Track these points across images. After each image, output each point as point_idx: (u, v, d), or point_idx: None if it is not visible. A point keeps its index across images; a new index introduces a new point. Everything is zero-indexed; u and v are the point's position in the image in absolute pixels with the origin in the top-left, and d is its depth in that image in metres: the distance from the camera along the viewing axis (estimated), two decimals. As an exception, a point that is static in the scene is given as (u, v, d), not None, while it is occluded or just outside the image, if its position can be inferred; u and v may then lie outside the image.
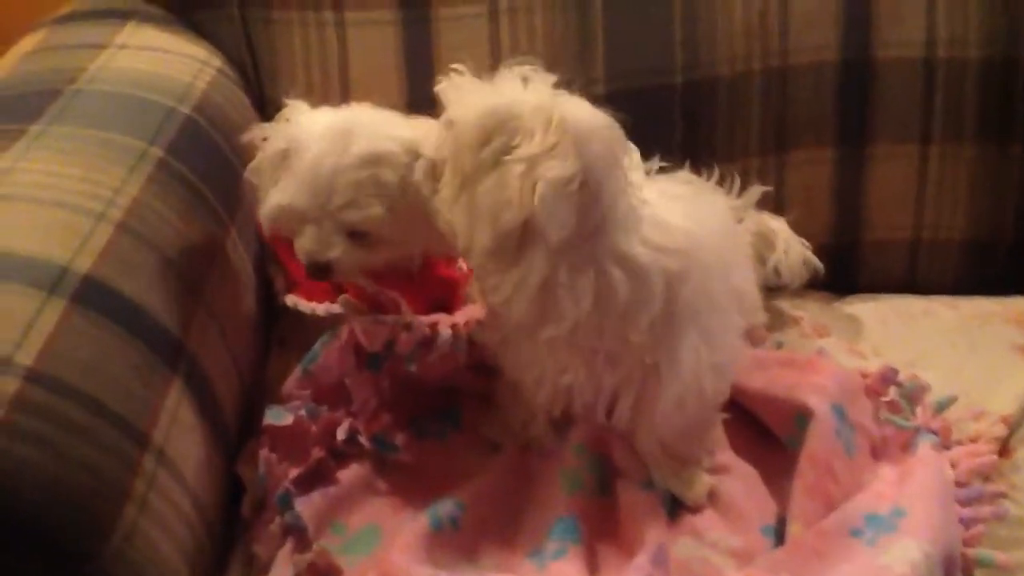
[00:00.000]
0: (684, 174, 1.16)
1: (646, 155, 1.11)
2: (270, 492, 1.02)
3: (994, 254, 1.41)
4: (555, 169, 0.90)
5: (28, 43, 1.28)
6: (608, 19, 1.35)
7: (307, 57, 1.36)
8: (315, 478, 1.05)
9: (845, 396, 1.09)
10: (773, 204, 1.33)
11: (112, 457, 0.80)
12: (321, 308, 1.19)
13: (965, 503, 1.03)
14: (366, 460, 1.08)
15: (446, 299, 1.21)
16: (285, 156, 1.06)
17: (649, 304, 0.96)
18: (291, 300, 1.22)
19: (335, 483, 1.06)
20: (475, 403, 1.15)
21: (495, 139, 0.92)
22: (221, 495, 1.01)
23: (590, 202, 0.93)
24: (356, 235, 1.06)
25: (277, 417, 1.05)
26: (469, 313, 1.15)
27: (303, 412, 1.06)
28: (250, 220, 1.19)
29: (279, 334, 1.26)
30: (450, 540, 0.99)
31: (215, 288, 1.09)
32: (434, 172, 0.98)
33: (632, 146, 1.03)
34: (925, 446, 1.06)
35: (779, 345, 1.24)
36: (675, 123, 1.37)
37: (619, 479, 1.05)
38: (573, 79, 0.98)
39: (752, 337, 1.21)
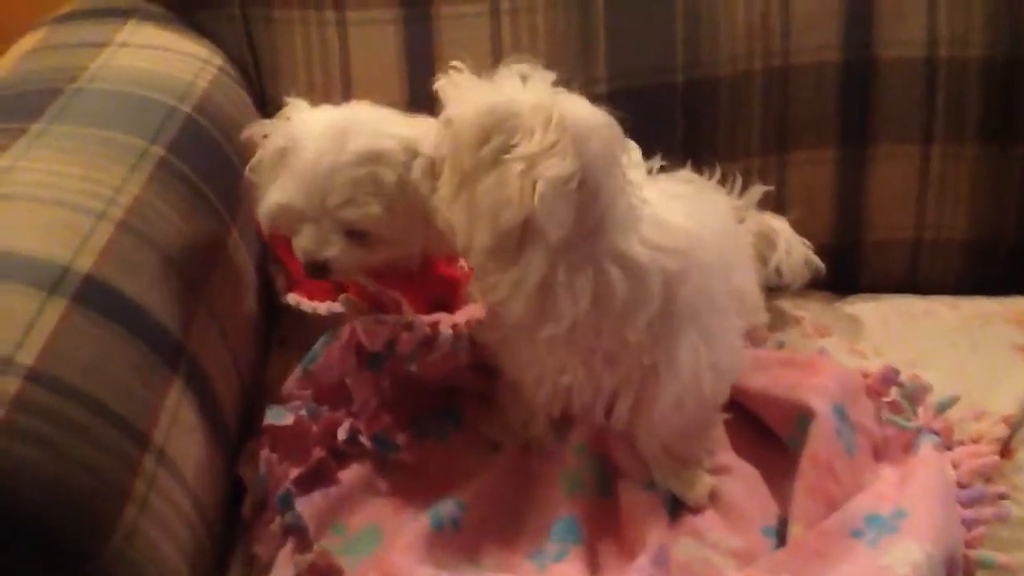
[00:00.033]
0: (685, 173, 1.16)
1: (647, 154, 1.11)
2: (271, 492, 1.02)
3: (995, 254, 1.41)
4: (555, 168, 0.90)
5: (29, 42, 1.28)
6: (610, 18, 1.35)
7: (308, 56, 1.36)
8: (316, 478, 1.05)
9: (846, 396, 1.08)
10: (774, 204, 1.33)
11: (112, 457, 0.80)
12: (322, 307, 1.19)
13: (967, 504, 1.03)
14: (367, 460, 1.08)
15: (447, 298, 1.21)
16: (284, 154, 1.06)
17: (647, 303, 0.96)
18: (292, 299, 1.22)
19: (336, 483, 1.05)
20: (476, 403, 1.15)
21: (494, 137, 0.92)
22: (221, 495, 1.01)
23: (589, 201, 0.93)
24: (354, 234, 1.06)
25: (278, 417, 1.05)
26: (470, 312, 1.15)
27: (304, 412, 1.06)
28: (251, 219, 1.19)
29: (280, 333, 1.26)
30: (451, 540, 0.99)
31: (216, 288, 1.09)
32: (433, 170, 0.98)
33: (633, 144, 1.03)
34: (927, 447, 1.06)
35: (780, 345, 1.24)
36: (676, 122, 1.37)
37: (620, 480, 1.05)
38: (574, 78, 0.98)
39: (753, 337, 1.21)
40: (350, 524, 1.03)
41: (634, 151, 1.06)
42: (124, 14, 1.33)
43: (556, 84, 0.96)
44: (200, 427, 0.97)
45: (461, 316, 1.15)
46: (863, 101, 1.36)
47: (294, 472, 1.04)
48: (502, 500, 1.04)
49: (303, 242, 1.06)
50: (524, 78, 0.96)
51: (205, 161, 1.15)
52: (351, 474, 1.07)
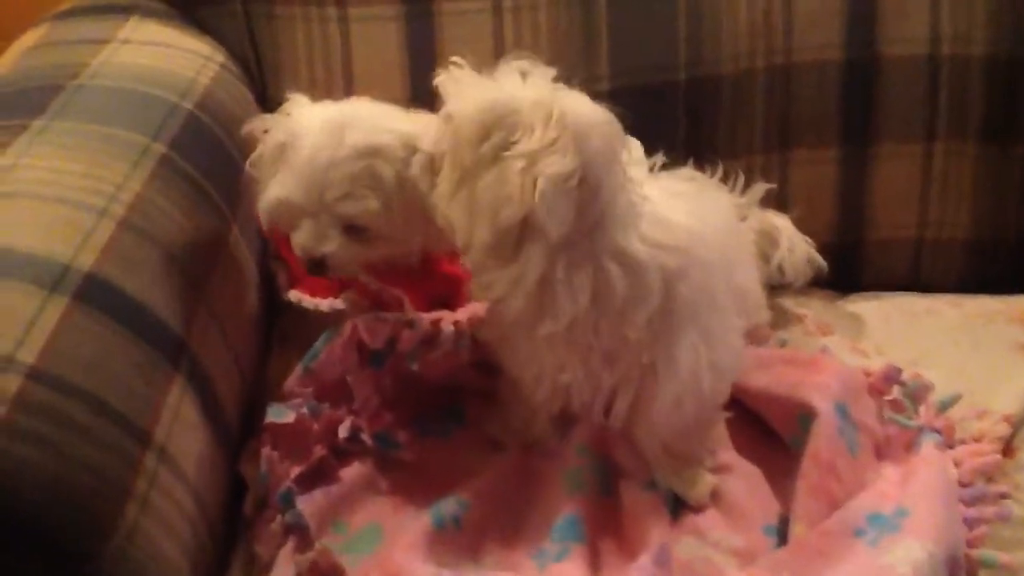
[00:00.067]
0: (687, 171, 1.16)
1: (649, 151, 1.11)
2: (272, 490, 1.01)
3: (998, 253, 1.41)
4: (555, 165, 0.89)
5: (30, 38, 1.28)
6: (612, 15, 1.35)
7: (310, 53, 1.36)
8: (317, 476, 1.05)
9: (848, 395, 1.08)
10: (776, 202, 1.33)
11: (113, 456, 0.80)
12: (324, 304, 1.18)
13: (969, 503, 1.02)
14: (368, 458, 1.08)
15: (449, 296, 1.21)
16: (283, 150, 1.06)
17: (646, 301, 0.96)
18: (294, 296, 1.22)
19: (337, 481, 1.05)
20: (478, 401, 1.15)
21: (494, 134, 0.92)
22: (223, 493, 1.00)
23: (589, 198, 0.92)
24: (352, 229, 1.06)
25: (279, 415, 1.05)
26: (472, 310, 1.14)
27: (305, 410, 1.06)
28: (252, 216, 1.19)
29: (281, 331, 1.26)
30: (453, 539, 0.99)
31: (217, 285, 1.08)
32: (432, 167, 0.98)
33: (634, 141, 1.03)
34: (928, 445, 1.06)
35: (782, 343, 1.24)
36: (679, 120, 1.37)
37: (621, 479, 1.05)
38: (577, 75, 0.98)
39: (755, 335, 1.21)
40: (351, 522, 1.03)
41: (635, 148, 1.05)
42: (126, 10, 1.33)
43: (557, 80, 0.96)
44: (201, 425, 0.97)
45: (463, 314, 1.15)
46: (865, 99, 1.36)
47: (295, 470, 1.04)
48: (504, 499, 1.04)
49: (301, 238, 1.06)
50: (524, 74, 0.95)
51: (207, 158, 1.15)
52: (352, 472, 1.07)
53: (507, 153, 0.91)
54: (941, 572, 0.91)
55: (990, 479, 1.06)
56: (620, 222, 0.95)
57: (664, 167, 1.14)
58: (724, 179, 1.26)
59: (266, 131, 1.10)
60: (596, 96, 0.95)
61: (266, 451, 1.03)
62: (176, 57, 1.26)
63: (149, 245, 0.98)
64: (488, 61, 0.98)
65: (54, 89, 1.10)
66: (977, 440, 1.09)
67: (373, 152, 1.04)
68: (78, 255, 0.89)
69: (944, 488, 1.00)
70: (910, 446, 1.07)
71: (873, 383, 1.13)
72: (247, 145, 1.14)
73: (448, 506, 1.00)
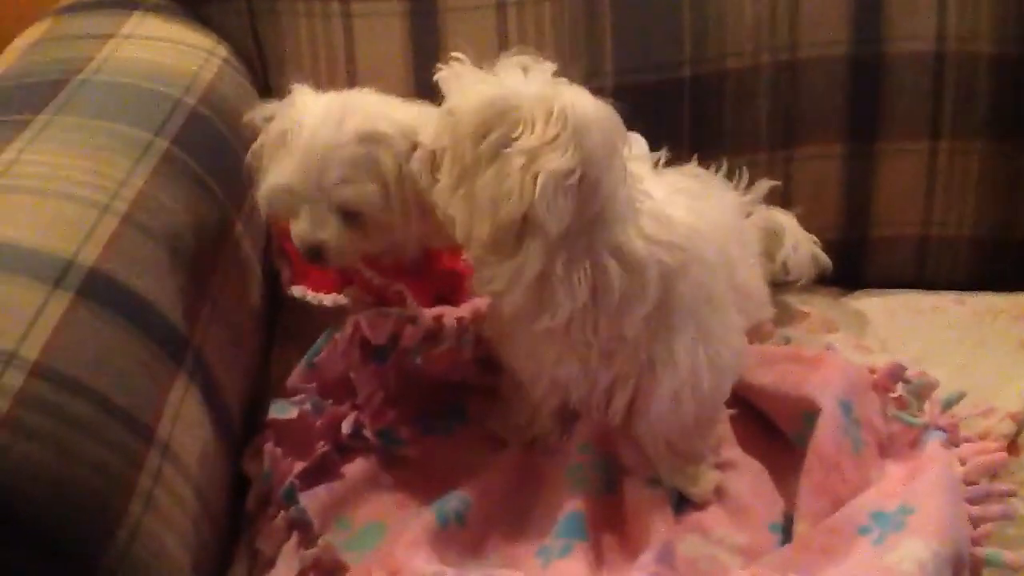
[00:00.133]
0: (692, 167, 1.16)
1: (654, 148, 1.11)
2: (275, 487, 1.01)
3: (1003, 250, 1.41)
4: (555, 161, 0.89)
5: (33, 33, 1.28)
6: (616, 11, 1.35)
7: (313, 48, 1.36)
8: (320, 473, 1.05)
9: (853, 392, 1.08)
10: (781, 199, 1.33)
11: (117, 453, 0.80)
12: (327, 299, 1.19)
13: (974, 501, 1.02)
14: (371, 455, 1.08)
15: (451, 292, 1.20)
16: (284, 137, 1.06)
17: (644, 298, 0.96)
18: (297, 291, 1.22)
19: (340, 478, 1.05)
20: (481, 398, 1.15)
21: (495, 130, 0.91)
22: (226, 490, 1.00)
23: (589, 194, 0.92)
24: (350, 217, 1.05)
25: (281, 411, 1.05)
26: (474, 306, 1.14)
27: (308, 406, 1.06)
28: (256, 211, 1.19)
29: (284, 327, 1.25)
30: (456, 536, 0.99)
31: (221, 281, 1.08)
32: (432, 162, 0.97)
33: (637, 136, 1.03)
34: (933, 443, 1.06)
35: (787, 340, 1.23)
36: (683, 116, 1.37)
37: (625, 476, 1.05)
38: (580, 71, 0.97)
39: (759, 332, 1.21)
40: (354, 519, 1.03)
41: (637, 143, 1.05)
42: (129, 5, 1.33)
43: (557, 75, 0.95)
44: (204, 421, 0.97)
45: (465, 310, 1.14)
46: (871, 96, 1.36)
47: (298, 466, 1.04)
48: (507, 496, 1.04)
49: (299, 226, 1.06)
50: (525, 69, 0.95)
51: (210, 153, 1.14)
52: (355, 469, 1.07)
53: (507, 149, 0.91)
54: (946, 570, 0.90)
55: (995, 477, 1.05)
56: (620, 218, 0.95)
57: (668, 163, 1.13)
58: (728, 176, 1.26)
59: (267, 119, 1.10)
60: (600, 92, 0.95)
61: (269, 447, 1.03)
62: (179, 52, 1.26)
63: (152, 241, 0.98)
64: (491, 56, 0.97)
65: (57, 84, 1.10)
66: (982, 438, 1.09)
67: (373, 138, 1.04)
68: (81, 251, 0.89)
69: (949, 486, 1.00)
70: (915, 444, 1.07)
71: (877, 380, 1.12)
72: (250, 140, 1.14)
73: (451, 503, 1.00)
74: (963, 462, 1.06)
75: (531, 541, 1.00)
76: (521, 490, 1.05)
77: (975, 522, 1.00)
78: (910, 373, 1.13)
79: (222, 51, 1.32)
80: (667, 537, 0.97)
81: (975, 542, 0.98)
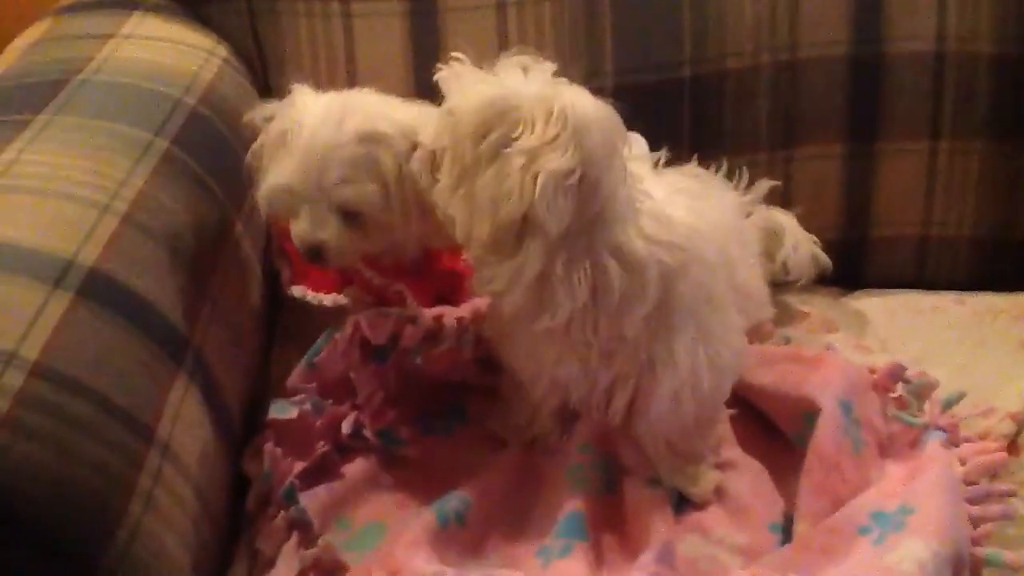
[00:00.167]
0: (692, 167, 1.16)
1: (654, 147, 1.11)
2: (275, 487, 1.01)
3: (1003, 250, 1.41)
4: (555, 162, 0.89)
5: (33, 33, 1.28)
6: (616, 11, 1.35)
7: (313, 48, 1.36)
8: (320, 473, 1.05)
9: (853, 392, 1.08)
10: (781, 199, 1.33)
11: (117, 453, 0.80)
12: (327, 299, 1.19)
13: (974, 501, 1.02)
14: (371, 455, 1.08)
15: (452, 292, 1.20)
16: (284, 137, 1.06)
17: (643, 298, 0.96)
18: (298, 291, 1.22)
19: (340, 478, 1.05)
20: (481, 398, 1.15)
21: (495, 130, 0.91)
22: (226, 490, 1.00)
23: (589, 194, 0.92)
24: (350, 217, 1.05)
25: (281, 411, 1.05)
26: (474, 306, 1.14)
27: (308, 406, 1.06)
28: (256, 211, 1.19)
29: (284, 327, 1.25)
30: (456, 536, 0.99)
31: (221, 281, 1.08)
32: (432, 162, 0.97)
33: (637, 136, 1.03)
34: (933, 443, 1.06)
35: (787, 340, 1.23)
36: (683, 116, 1.37)
37: (625, 476, 1.05)
38: (580, 71, 0.97)
39: (760, 332, 1.21)
40: (354, 519, 1.03)
41: (637, 143, 1.05)
42: (129, 5, 1.33)
43: (556, 75, 0.95)
44: (204, 421, 0.97)
45: (465, 309, 1.14)
46: (871, 96, 1.36)
47: (298, 466, 1.04)
48: (507, 496, 1.04)
49: (299, 226, 1.06)
50: (525, 69, 0.95)
51: (210, 153, 1.14)
52: (355, 469, 1.07)
53: (507, 149, 0.91)
54: (946, 570, 0.90)
55: (995, 477, 1.05)
56: (620, 218, 0.95)
57: (668, 163, 1.13)
58: (728, 176, 1.26)
59: (267, 119, 1.10)
60: (600, 92, 0.95)
61: (269, 447, 1.03)
62: (179, 52, 1.26)
63: (152, 241, 0.98)
64: (491, 56, 0.97)
65: (57, 84, 1.10)
66: (982, 438, 1.09)
67: (373, 138, 1.04)
68: (81, 251, 0.89)
69: (949, 486, 1.00)
70: (915, 444, 1.07)
71: (878, 380, 1.12)
72: (250, 140, 1.14)
73: (451, 503, 1.00)
74: (963, 462, 1.06)
75: (531, 541, 1.00)
76: (521, 490, 1.05)
77: (975, 522, 1.00)
78: (910, 373, 1.13)
79: (222, 51, 1.32)
80: (667, 537, 0.97)
81: (975, 542, 0.98)
